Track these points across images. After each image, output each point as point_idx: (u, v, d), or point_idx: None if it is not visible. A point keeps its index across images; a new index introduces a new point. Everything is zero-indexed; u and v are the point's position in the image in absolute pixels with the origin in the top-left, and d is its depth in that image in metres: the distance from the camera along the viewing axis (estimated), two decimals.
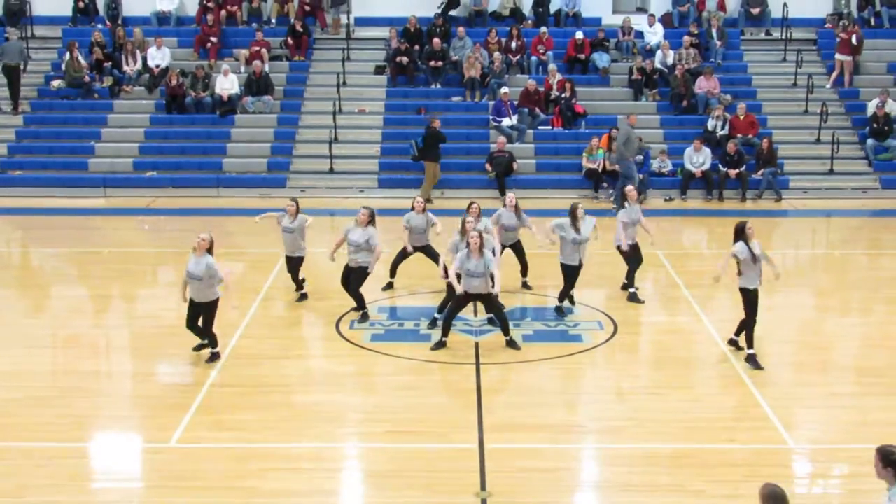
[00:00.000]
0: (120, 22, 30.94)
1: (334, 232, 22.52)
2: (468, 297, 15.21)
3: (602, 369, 14.90)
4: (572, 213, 16.22)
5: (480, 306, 16.30)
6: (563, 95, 28.31)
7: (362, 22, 31.52)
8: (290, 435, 12.39)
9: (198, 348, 14.62)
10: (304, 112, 29.14)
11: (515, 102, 28.18)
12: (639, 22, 30.95)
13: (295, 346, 15.93)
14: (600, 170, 26.25)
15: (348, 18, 31.25)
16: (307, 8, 31.09)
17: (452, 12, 31.16)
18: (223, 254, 19.81)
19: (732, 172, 26.23)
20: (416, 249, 17.71)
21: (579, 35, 29.93)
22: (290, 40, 30.47)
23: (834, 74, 29.61)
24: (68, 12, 31.45)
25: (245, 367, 14.53)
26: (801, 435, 12.43)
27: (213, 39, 30.19)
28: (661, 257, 20.24)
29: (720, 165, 26.39)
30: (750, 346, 14.62)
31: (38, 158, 27.74)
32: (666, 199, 26.03)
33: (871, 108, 27.97)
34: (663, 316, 17.34)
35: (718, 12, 31.12)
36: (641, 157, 26.26)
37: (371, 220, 16.20)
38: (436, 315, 16.19)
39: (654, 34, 30.49)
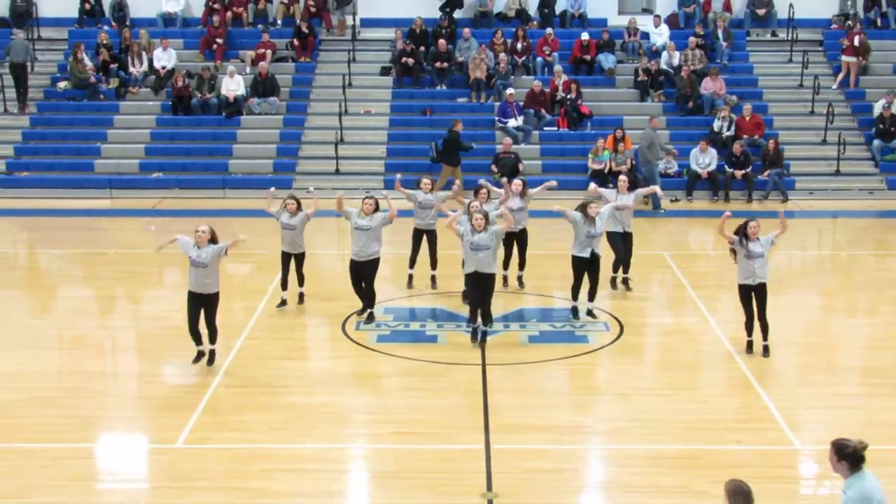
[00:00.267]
0: (126, 23, 30.97)
1: (341, 233, 22.59)
2: (476, 277, 15.10)
3: (608, 370, 14.89)
4: (584, 211, 15.97)
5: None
6: (568, 96, 28.31)
7: (368, 23, 31.55)
8: (296, 436, 12.39)
9: (197, 359, 14.21)
10: (309, 113, 29.16)
11: (521, 103, 28.18)
12: (644, 23, 30.94)
13: (301, 347, 15.95)
14: (606, 171, 26.22)
15: (354, 20, 31.27)
16: (313, 9, 31.12)
17: (456, 14, 31.13)
18: (230, 256, 19.86)
19: (738, 173, 26.20)
20: (421, 234, 17.73)
21: (585, 36, 29.93)
22: (295, 41, 30.49)
23: (840, 76, 29.57)
24: (74, 14, 31.49)
25: (251, 368, 14.53)
26: (806, 436, 12.40)
27: (219, 41, 30.22)
28: (666, 258, 20.23)
29: (726, 166, 26.36)
30: (763, 337, 14.82)
31: (45, 160, 27.77)
32: (672, 200, 25.99)
33: (878, 108, 27.93)
34: (669, 317, 17.33)
35: (724, 13, 31.10)
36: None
37: (377, 209, 16.17)
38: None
39: (660, 35, 30.48)
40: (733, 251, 14.75)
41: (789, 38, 30.79)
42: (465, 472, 11.38)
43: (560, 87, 28.57)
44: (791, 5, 30.65)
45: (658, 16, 31.03)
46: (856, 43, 29.27)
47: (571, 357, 15.03)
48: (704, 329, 16.20)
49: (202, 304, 14.05)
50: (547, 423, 12.74)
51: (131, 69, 29.61)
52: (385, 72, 30.29)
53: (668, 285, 18.96)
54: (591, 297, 16.44)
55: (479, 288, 15.23)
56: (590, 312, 16.41)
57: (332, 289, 18.16)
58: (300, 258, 16.90)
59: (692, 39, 29.71)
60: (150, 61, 29.71)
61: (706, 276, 18.92)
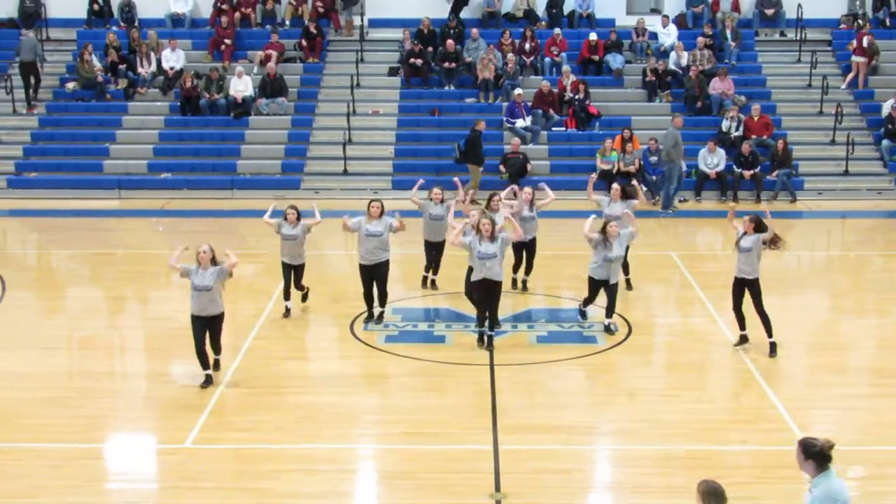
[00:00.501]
0: (135, 24, 31.02)
1: (348, 234, 22.54)
2: (484, 284, 15.07)
3: (616, 371, 14.88)
4: (603, 231, 15.48)
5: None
6: (576, 97, 28.29)
7: (376, 23, 31.55)
8: (304, 436, 12.41)
9: (206, 383, 13.70)
10: (317, 114, 29.18)
11: (529, 104, 28.17)
12: (653, 23, 30.89)
13: (309, 347, 15.97)
14: (614, 171, 26.19)
15: (362, 20, 31.28)
16: (321, 10, 31.14)
17: (464, 14, 31.13)
18: (238, 255, 19.89)
19: (747, 174, 26.16)
20: (431, 246, 17.67)
21: (593, 36, 29.90)
22: (303, 42, 30.50)
23: (850, 76, 29.51)
24: (83, 14, 31.54)
25: (259, 369, 14.55)
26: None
27: (228, 41, 30.24)
28: (675, 258, 20.22)
29: (734, 167, 26.32)
30: (767, 334, 15.02)
31: (53, 160, 27.81)
32: (680, 201, 25.95)
33: (886, 108, 27.87)
34: (677, 317, 17.33)
35: (733, 13, 31.06)
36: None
37: (383, 212, 16.15)
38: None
39: (668, 35, 30.44)
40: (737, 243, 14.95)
41: (798, 38, 30.74)
42: (474, 472, 11.38)
43: (568, 88, 28.55)
44: (800, 5, 30.59)
45: (666, 16, 30.99)
46: (864, 44, 29.22)
47: (580, 357, 15.03)
48: (713, 329, 16.18)
49: (208, 327, 13.68)
50: (555, 423, 12.74)
51: (140, 70, 29.66)
52: (393, 72, 30.30)
53: (677, 285, 18.94)
54: (609, 314, 15.98)
55: (487, 295, 15.21)
56: (607, 328, 15.97)
57: (339, 290, 18.17)
58: (300, 270, 16.62)
59: (700, 39, 29.67)
60: (159, 62, 29.75)
61: (714, 277, 18.87)
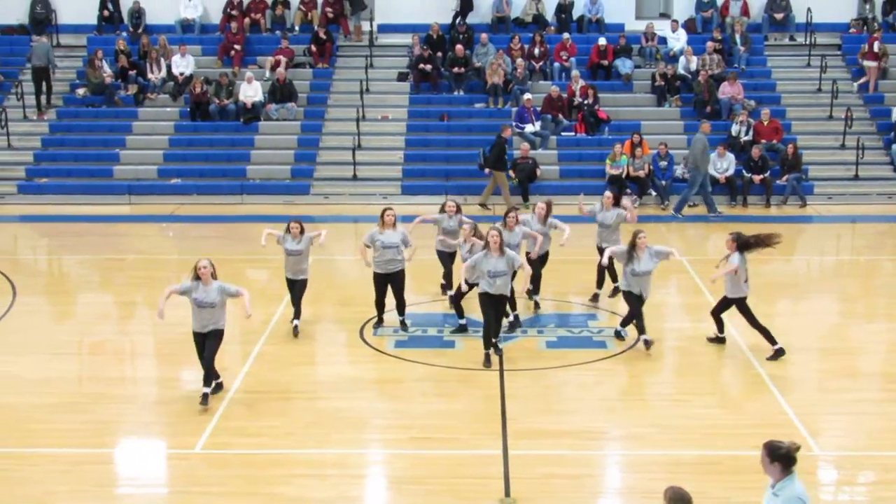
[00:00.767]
0: (144, 30, 31.11)
1: (358, 238, 22.59)
2: (492, 299, 14.81)
3: (625, 375, 14.86)
4: (632, 244, 15.08)
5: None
6: (586, 101, 28.30)
7: (385, 29, 31.61)
8: (314, 441, 12.41)
9: (204, 400, 13.22)
10: (327, 119, 29.23)
11: (538, 109, 28.18)
12: (662, 27, 30.91)
13: (318, 352, 15.96)
14: (623, 176, 26.20)
15: (371, 25, 31.33)
16: (330, 15, 31.19)
17: (474, 20, 31.17)
18: (247, 260, 19.96)
19: (756, 178, 26.15)
20: (445, 255, 17.50)
21: (602, 41, 29.91)
22: (313, 47, 30.56)
23: (863, 80, 29.44)
24: (93, 20, 31.68)
25: (269, 374, 14.58)
26: (826, 442, 12.37)
27: (237, 47, 30.32)
28: (685, 263, 20.19)
29: (744, 171, 26.30)
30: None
31: (64, 166, 27.90)
32: (689, 205, 25.94)
33: None
34: (687, 322, 17.31)
35: (742, 17, 31.04)
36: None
37: (396, 221, 16.12)
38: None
39: (678, 40, 30.44)
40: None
41: (807, 42, 30.72)
42: (483, 477, 11.38)
43: (577, 93, 28.57)
44: (809, 9, 30.58)
45: (675, 20, 31.00)
46: (875, 48, 29.18)
47: (589, 363, 15.02)
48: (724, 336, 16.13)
49: (205, 342, 13.33)
50: (565, 428, 12.74)
51: (150, 75, 29.75)
52: (402, 77, 30.34)
53: (686, 290, 18.92)
54: (625, 322, 15.69)
55: (492, 308, 14.84)
56: (618, 334, 15.82)
57: (349, 294, 18.19)
58: (302, 286, 16.15)
59: (710, 44, 29.67)
60: (169, 67, 29.83)
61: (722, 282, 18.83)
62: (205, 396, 13.19)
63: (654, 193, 26.40)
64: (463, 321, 16.19)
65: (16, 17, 31.84)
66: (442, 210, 17.50)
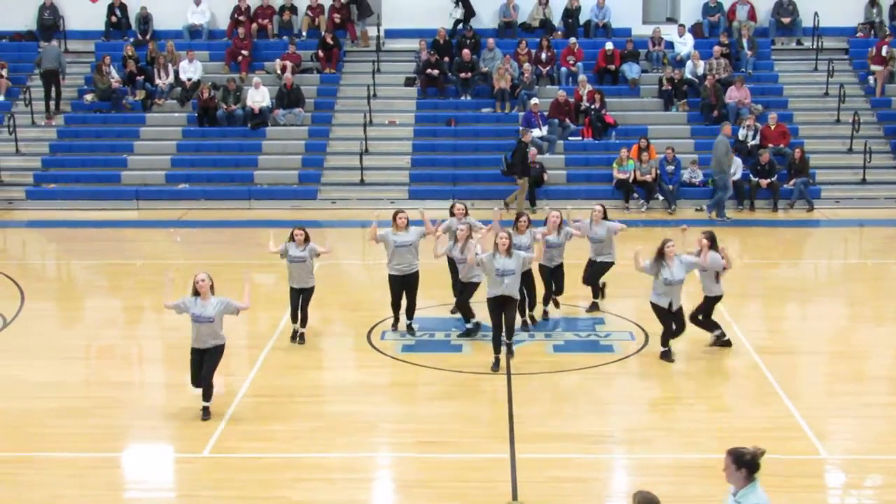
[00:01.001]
0: (152, 35, 31.18)
1: (365, 242, 22.67)
2: (500, 300, 14.65)
3: (633, 379, 14.86)
4: (660, 252, 14.78)
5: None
6: (593, 106, 28.31)
7: (392, 34, 31.64)
8: (322, 445, 12.44)
9: (206, 413, 13.07)
10: (334, 124, 29.26)
11: (545, 113, 28.19)
12: (669, 32, 30.93)
13: (326, 356, 15.98)
14: (631, 180, 26.21)
15: (378, 31, 31.37)
16: (337, 21, 31.24)
17: (481, 24, 31.22)
18: (255, 265, 19.97)
19: (764, 182, 26.12)
20: (455, 262, 17.42)
21: (609, 46, 29.93)
22: (320, 53, 30.60)
23: (874, 83, 29.40)
24: (101, 26, 31.71)
25: (276, 378, 14.60)
26: (833, 445, 12.36)
27: (245, 52, 30.38)
28: None
29: (751, 175, 26.29)
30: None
31: (72, 171, 27.98)
32: (697, 210, 25.95)
33: None
34: (694, 326, 17.26)
35: (749, 22, 31.03)
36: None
37: (408, 223, 16.10)
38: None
39: (685, 44, 30.45)
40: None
41: (814, 46, 30.68)
42: (491, 481, 11.38)
43: (584, 97, 28.58)
44: (816, 14, 30.55)
45: (682, 25, 31.01)
46: (884, 53, 29.16)
47: (596, 366, 15.03)
48: (729, 337, 16.10)
49: (204, 359, 13.00)
50: (572, 431, 12.75)
51: (157, 81, 29.82)
52: (409, 82, 30.38)
53: (693, 294, 18.87)
54: (664, 342, 15.14)
55: (502, 312, 14.71)
56: (666, 354, 15.11)
57: (355, 299, 18.22)
58: (308, 294, 15.91)
59: (717, 48, 29.66)
60: (176, 73, 29.90)
61: (731, 285, 18.82)
62: (205, 410, 13.11)
63: (661, 198, 26.39)
64: (470, 324, 16.18)
65: (24, 23, 31.92)
66: (451, 213, 17.26)
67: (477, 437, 12.58)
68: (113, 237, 24.29)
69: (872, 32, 30.86)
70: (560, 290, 17.29)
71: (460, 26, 30.92)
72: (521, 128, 26.97)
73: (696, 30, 31.25)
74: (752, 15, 31.36)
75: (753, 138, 27.28)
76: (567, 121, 28.24)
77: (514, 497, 10.98)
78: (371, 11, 31.36)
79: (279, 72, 29.55)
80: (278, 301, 17.89)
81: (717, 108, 28.32)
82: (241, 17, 31.07)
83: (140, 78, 29.77)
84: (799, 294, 19.45)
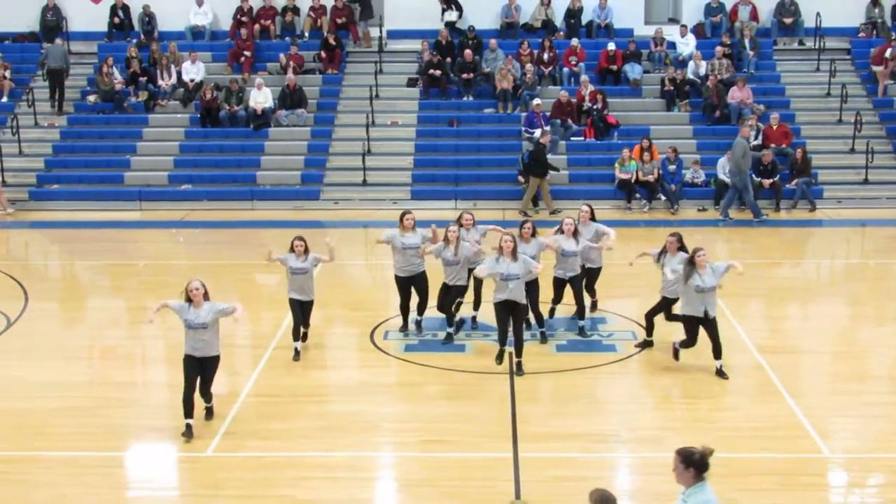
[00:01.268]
0: (155, 36, 31.23)
1: (368, 244, 22.71)
2: (506, 304, 14.61)
3: (635, 378, 14.89)
4: (690, 262, 14.24)
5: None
6: (595, 106, 28.32)
7: (394, 35, 31.64)
8: (325, 444, 12.46)
9: (188, 433, 12.53)
10: (337, 125, 29.29)
11: (548, 114, 28.20)
12: (671, 32, 30.93)
13: (329, 356, 16.01)
14: (633, 180, 26.23)
15: (380, 31, 31.38)
16: (340, 21, 31.26)
17: (483, 25, 31.24)
18: (257, 266, 19.99)
19: (766, 182, 26.13)
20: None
21: (611, 46, 29.95)
22: (322, 54, 30.64)
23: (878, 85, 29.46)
24: (104, 27, 31.77)
25: (280, 378, 14.62)
26: (836, 444, 12.37)
27: (247, 53, 30.41)
28: None
29: (754, 175, 26.28)
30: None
31: (75, 172, 28.02)
32: (699, 210, 25.97)
33: None
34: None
35: (751, 22, 31.04)
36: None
37: (415, 224, 16.09)
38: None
39: (687, 45, 30.47)
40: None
41: (816, 46, 30.69)
42: (494, 480, 11.40)
43: (586, 98, 28.60)
44: (818, 14, 30.56)
45: (684, 25, 31.02)
46: (887, 54, 29.16)
47: (599, 366, 15.04)
48: (732, 337, 16.11)
49: (202, 369, 12.70)
50: (575, 431, 12.76)
51: (160, 82, 29.85)
52: (412, 83, 30.40)
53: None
54: (718, 354, 14.54)
55: (509, 316, 14.65)
56: (720, 372, 14.53)
57: (358, 299, 18.24)
58: (308, 307, 15.55)
59: (719, 49, 29.67)
60: (179, 74, 29.93)
61: (734, 285, 18.83)
62: (208, 410, 13.10)
63: (663, 198, 26.39)
64: (451, 328, 16.08)
65: (27, 24, 31.97)
66: (458, 223, 16.50)
67: (479, 437, 12.59)
68: (116, 238, 24.31)
69: (875, 33, 30.87)
70: (592, 295, 17.04)
71: (455, 26, 30.95)
72: (541, 129, 26.93)
73: (698, 30, 31.27)
74: (754, 15, 31.36)
75: (756, 138, 27.27)
76: (569, 121, 28.25)
77: (518, 496, 11.00)
78: (372, 14, 31.36)
79: (282, 65, 29.57)
80: (281, 302, 17.84)
81: (719, 108, 28.34)
82: (244, 18, 31.11)
83: (143, 79, 29.81)
84: (801, 294, 19.46)
